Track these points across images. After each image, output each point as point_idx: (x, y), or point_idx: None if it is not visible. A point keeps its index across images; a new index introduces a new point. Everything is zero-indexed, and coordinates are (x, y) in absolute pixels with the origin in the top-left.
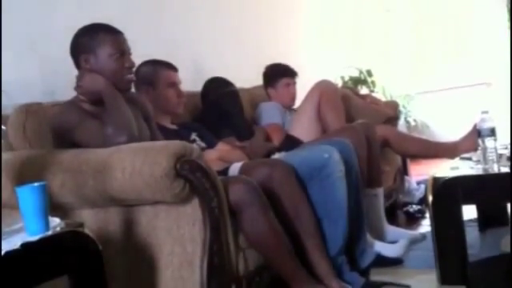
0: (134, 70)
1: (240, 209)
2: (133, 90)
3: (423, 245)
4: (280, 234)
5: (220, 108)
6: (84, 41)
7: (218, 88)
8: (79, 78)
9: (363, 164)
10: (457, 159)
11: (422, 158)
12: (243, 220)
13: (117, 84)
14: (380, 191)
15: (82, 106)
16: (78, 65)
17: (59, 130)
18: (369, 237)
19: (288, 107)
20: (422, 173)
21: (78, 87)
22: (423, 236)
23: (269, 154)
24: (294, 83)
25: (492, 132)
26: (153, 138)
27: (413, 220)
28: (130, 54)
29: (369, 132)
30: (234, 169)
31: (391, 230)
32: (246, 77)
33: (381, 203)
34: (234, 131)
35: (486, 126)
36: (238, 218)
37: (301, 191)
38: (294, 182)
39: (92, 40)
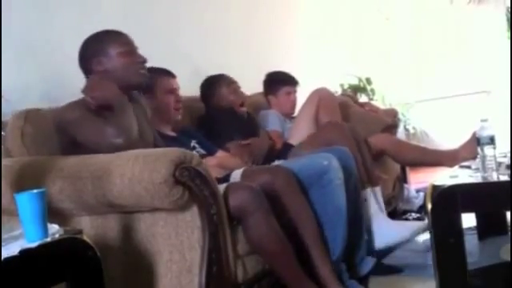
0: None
1: (244, 214)
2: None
3: (422, 253)
4: (282, 239)
5: (230, 111)
6: (93, 46)
7: (217, 84)
8: (91, 86)
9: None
10: (456, 167)
11: (421, 166)
12: (247, 225)
13: (131, 79)
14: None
15: (88, 106)
16: (89, 71)
17: (62, 126)
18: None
19: (288, 115)
20: (422, 181)
21: (88, 92)
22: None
23: (269, 161)
24: (295, 91)
25: (491, 140)
26: (154, 141)
27: None
28: (138, 49)
29: (355, 135)
30: (236, 175)
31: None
32: (247, 84)
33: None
34: (242, 134)
35: (486, 134)
36: (241, 223)
37: (303, 197)
38: (295, 188)
39: (101, 43)
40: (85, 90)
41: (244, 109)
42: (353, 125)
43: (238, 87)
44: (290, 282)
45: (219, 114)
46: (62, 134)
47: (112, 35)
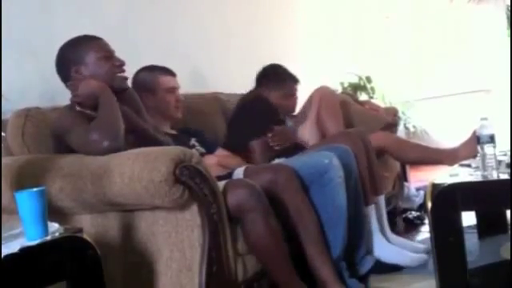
0: (132, 76)
1: (242, 212)
2: None
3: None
4: (279, 240)
5: (276, 111)
6: (70, 54)
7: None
8: (74, 88)
9: (364, 170)
10: (456, 166)
11: (421, 165)
12: (245, 223)
13: (112, 84)
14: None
15: (80, 110)
16: (67, 79)
17: (57, 134)
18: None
19: (289, 114)
20: (422, 179)
21: (74, 97)
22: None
23: (269, 160)
24: (296, 90)
25: (491, 139)
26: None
27: (412, 226)
28: (115, 53)
29: (364, 139)
30: (238, 173)
31: (394, 238)
32: (245, 82)
33: (383, 210)
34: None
35: (486, 132)
36: (241, 221)
37: (304, 196)
38: (297, 187)
39: (77, 51)
40: (73, 99)
41: (288, 120)
42: (363, 130)
43: (294, 96)
44: (281, 283)
45: (265, 106)
46: (58, 140)
47: (88, 41)
